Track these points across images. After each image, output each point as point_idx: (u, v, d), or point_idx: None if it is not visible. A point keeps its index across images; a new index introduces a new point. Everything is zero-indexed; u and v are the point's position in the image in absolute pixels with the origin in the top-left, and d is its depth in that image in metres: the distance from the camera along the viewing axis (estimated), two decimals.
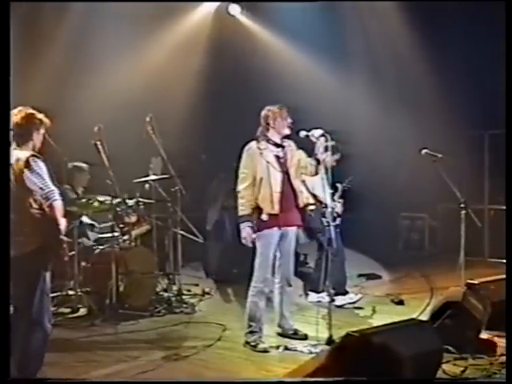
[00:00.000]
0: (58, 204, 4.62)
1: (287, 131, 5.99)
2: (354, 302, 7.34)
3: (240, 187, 5.92)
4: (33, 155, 4.70)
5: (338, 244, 6.88)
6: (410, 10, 10.10)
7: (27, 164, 4.62)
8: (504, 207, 9.99)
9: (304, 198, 6.19)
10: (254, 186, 5.86)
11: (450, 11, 9.92)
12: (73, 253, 6.85)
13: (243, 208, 5.87)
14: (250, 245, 5.87)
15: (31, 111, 4.86)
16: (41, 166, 4.66)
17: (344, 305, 7.21)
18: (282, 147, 6.02)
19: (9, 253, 4.31)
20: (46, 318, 4.78)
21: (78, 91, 8.98)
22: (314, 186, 7.11)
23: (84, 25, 9.12)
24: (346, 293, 7.37)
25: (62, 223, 4.71)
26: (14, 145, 4.71)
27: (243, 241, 5.85)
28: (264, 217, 5.83)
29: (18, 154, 4.68)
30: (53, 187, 4.64)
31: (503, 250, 9.20)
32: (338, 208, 7.35)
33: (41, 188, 4.58)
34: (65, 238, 4.75)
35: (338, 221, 7.29)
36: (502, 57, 9.15)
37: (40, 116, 4.92)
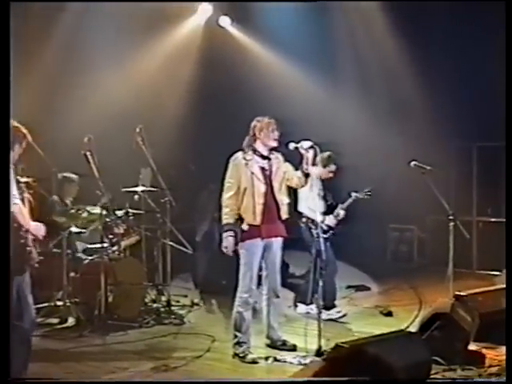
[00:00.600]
0: (16, 208, 4.61)
1: (274, 143, 6.01)
2: (340, 317, 7.32)
3: (224, 196, 5.95)
4: None
5: (328, 256, 6.84)
6: (399, 20, 10.19)
7: None
8: (492, 219, 10.11)
9: (286, 210, 6.16)
10: (237, 196, 5.89)
11: (441, 22, 10.01)
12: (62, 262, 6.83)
13: (226, 217, 5.89)
14: (231, 254, 5.89)
15: (16, 124, 4.85)
16: None
17: (329, 319, 7.16)
18: (269, 159, 6.04)
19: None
20: (27, 320, 4.81)
21: (68, 101, 8.98)
22: (304, 198, 7.12)
23: (75, 35, 9.13)
24: (332, 306, 7.33)
25: (31, 227, 4.79)
26: None
27: (224, 249, 5.88)
28: (244, 227, 5.85)
29: None
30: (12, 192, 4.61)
31: (491, 262, 9.35)
32: (333, 222, 7.39)
33: None
34: (31, 243, 4.79)
35: (330, 233, 7.32)
36: (492, 68, 9.30)
37: (24, 130, 4.91)
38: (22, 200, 4.82)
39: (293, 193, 6.60)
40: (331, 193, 7.57)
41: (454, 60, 10.05)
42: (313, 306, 7.15)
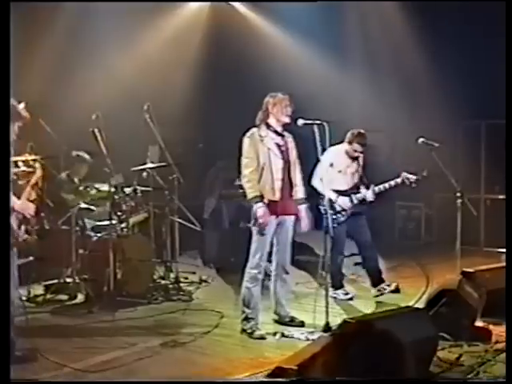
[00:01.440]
0: None
1: (287, 119, 5.99)
2: (347, 299, 7.25)
3: (246, 172, 5.93)
4: None
5: (337, 241, 6.90)
6: (409, 3, 10.12)
7: None
8: (500, 196, 10.09)
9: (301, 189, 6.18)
10: (257, 172, 5.89)
11: (448, 2, 9.92)
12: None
13: (252, 190, 5.87)
14: (267, 225, 5.84)
15: (12, 103, 4.79)
16: None
17: (337, 298, 7.14)
18: (282, 136, 6.05)
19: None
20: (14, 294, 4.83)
21: (76, 80, 8.97)
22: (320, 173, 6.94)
23: (81, 15, 9.10)
24: (341, 286, 7.30)
25: (16, 205, 4.77)
26: None
27: (260, 220, 5.81)
28: (264, 202, 5.85)
29: None
30: None
31: (499, 240, 9.31)
32: (347, 205, 7.14)
33: None
34: (15, 221, 4.77)
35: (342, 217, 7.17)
36: (499, 46, 9.23)
37: (19, 109, 4.86)
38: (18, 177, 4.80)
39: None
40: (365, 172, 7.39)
41: (463, 37, 9.96)
42: (339, 292, 7.22)
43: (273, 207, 5.89)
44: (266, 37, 11.18)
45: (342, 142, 7.26)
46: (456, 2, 9.76)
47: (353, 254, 8.07)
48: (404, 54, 10.39)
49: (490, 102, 9.62)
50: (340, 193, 7.12)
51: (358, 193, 7.20)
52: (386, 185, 7.18)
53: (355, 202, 7.16)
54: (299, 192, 6.13)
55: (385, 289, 7.37)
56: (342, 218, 7.14)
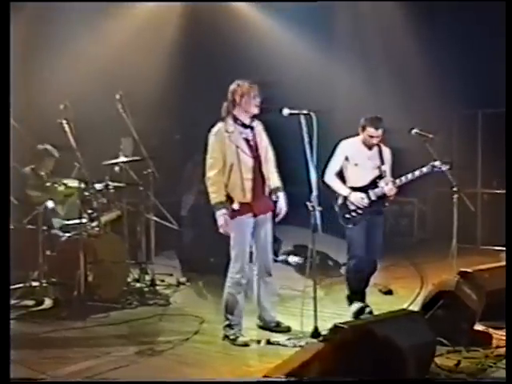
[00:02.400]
0: None
1: (255, 110, 5.93)
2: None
3: (210, 173, 5.86)
4: None
5: (352, 245, 6.64)
6: None
7: None
8: (498, 191, 10.13)
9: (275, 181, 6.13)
10: (223, 173, 5.82)
11: None
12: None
13: (216, 195, 5.81)
14: (229, 233, 5.84)
15: None
16: None
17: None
18: (251, 128, 5.97)
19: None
20: None
21: (43, 68, 8.87)
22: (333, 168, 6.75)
23: (50, 3, 9.00)
24: (360, 299, 6.78)
25: None
26: None
27: (220, 230, 5.82)
28: (235, 206, 5.81)
29: None
30: None
31: (497, 237, 9.38)
32: (362, 202, 6.62)
33: None
34: None
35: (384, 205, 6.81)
36: (494, 35, 9.27)
37: None
38: None
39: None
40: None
41: (458, 27, 10.00)
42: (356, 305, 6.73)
43: (246, 208, 5.84)
44: (247, 23, 11.10)
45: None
46: None
47: None
48: (397, 42, 10.39)
49: (487, 90, 9.68)
50: (357, 189, 6.65)
51: (376, 188, 6.66)
52: (409, 175, 6.63)
53: (373, 198, 6.64)
54: (274, 181, 6.09)
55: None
56: (358, 217, 6.64)
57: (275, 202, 6.11)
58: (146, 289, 7.52)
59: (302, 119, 5.82)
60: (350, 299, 6.77)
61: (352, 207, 6.62)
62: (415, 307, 6.32)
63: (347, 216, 6.62)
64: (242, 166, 5.82)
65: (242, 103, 5.87)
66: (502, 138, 10.08)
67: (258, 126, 6.04)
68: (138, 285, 7.61)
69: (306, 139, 5.81)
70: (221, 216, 5.78)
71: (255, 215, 5.93)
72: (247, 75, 6.26)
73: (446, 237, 7.03)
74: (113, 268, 7.10)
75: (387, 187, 6.62)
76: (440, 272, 7.56)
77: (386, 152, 6.85)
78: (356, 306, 6.67)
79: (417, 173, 6.62)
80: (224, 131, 5.85)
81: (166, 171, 8.33)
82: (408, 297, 7.25)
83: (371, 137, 6.63)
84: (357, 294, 6.75)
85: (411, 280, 8.17)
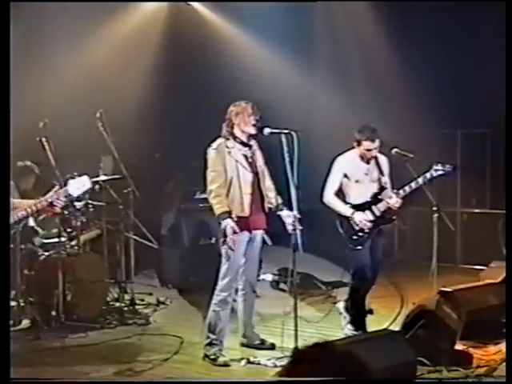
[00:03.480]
0: None
1: (252, 130, 5.97)
2: None
3: (212, 186, 5.88)
4: None
5: (356, 267, 6.53)
6: (380, 4, 10.20)
7: None
8: (477, 210, 10.21)
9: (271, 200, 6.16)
10: (224, 186, 5.86)
11: (424, 7, 10.03)
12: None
13: (220, 205, 5.82)
14: (238, 243, 5.78)
15: None
16: None
17: None
18: (250, 146, 6.04)
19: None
20: None
21: (23, 86, 8.81)
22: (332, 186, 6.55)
23: (29, 18, 8.96)
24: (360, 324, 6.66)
25: None
26: None
27: (228, 239, 5.77)
28: (234, 219, 5.81)
29: None
30: None
31: (476, 256, 9.43)
32: (366, 224, 6.40)
33: None
34: None
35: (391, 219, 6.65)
36: (474, 53, 9.38)
37: None
38: None
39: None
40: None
41: (438, 46, 10.09)
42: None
43: (243, 223, 5.86)
44: (228, 39, 11.13)
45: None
46: (431, 3, 9.88)
47: None
48: (376, 61, 10.47)
49: (466, 110, 9.76)
50: (358, 206, 6.47)
51: (379, 202, 6.47)
52: (413, 184, 6.44)
53: (377, 214, 6.44)
54: (274, 199, 6.14)
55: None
56: (365, 237, 6.43)
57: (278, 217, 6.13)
58: (126, 308, 7.46)
59: (283, 138, 5.82)
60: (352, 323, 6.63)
61: (357, 227, 6.43)
62: (396, 326, 6.31)
63: (354, 238, 6.42)
64: (242, 181, 5.88)
65: (238, 122, 5.94)
66: (481, 157, 10.26)
67: (255, 145, 6.10)
68: (117, 304, 7.55)
69: (287, 158, 5.82)
70: (227, 225, 5.77)
71: (250, 231, 5.96)
72: (230, 93, 6.28)
73: (426, 256, 7.08)
74: (92, 287, 7.05)
75: (392, 200, 6.40)
76: (420, 291, 7.58)
77: (384, 162, 6.68)
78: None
79: (420, 180, 6.46)
80: (224, 146, 5.91)
81: (146, 190, 8.31)
82: (388, 316, 7.25)
83: (369, 150, 6.44)
84: (356, 319, 6.59)
85: (392, 299, 8.16)
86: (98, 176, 7.53)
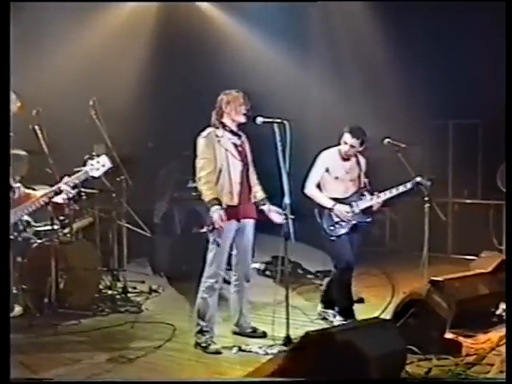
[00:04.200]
0: None
1: (242, 119, 5.97)
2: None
3: (202, 173, 5.86)
4: None
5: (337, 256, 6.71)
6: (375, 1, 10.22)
7: None
8: (469, 201, 10.26)
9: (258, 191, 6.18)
10: (214, 174, 5.85)
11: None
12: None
13: (210, 192, 5.80)
14: (222, 226, 5.75)
15: None
16: None
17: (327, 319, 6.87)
18: (239, 136, 6.04)
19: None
20: None
21: (16, 73, 8.78)
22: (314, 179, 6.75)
23: (23, 9, 8.92)
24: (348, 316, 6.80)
25: None
26: None
27: (216, 225, 5.75)
28: (222, 206, 5.80)
29: None
30: None
31: (467, 246, 9.48)
32: (347, 215, 6.62)
33: None
34: None
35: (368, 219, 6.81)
36: (467, 44, 9.40)
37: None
38: None
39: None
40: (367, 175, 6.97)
41: (430, 37, 10.10)
42: (330, 312, 6.89)
43: (232, 212, 5.86)
44: (223, 30, 11.12)
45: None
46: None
47: None
48: (369, 52, 10.47)
49: (458, 100, 9.78)
50: (339, 201, 6.65)
51: (360, 200, 6.72)
52: (394, 191, 6.78)
53: (356, 210, 6.66)
54: (259, 193, 6.15)
55: (328, 316, 6.90)
56: (342, 230, 6.63)
57: (261, 211, 6.15)
58: (118, 296, 7.48)
59: (276, 128, 5.84)
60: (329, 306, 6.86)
61: (336, 219, 6.61)
62: (386, 315, 6.36)
63: (331, 228, 6.60)
64: (231, 169, 5.88)
65: (228, 111, 5.94)
66: (473, 148, 10.30)
67: (243, 136, 6.10)
68: (109, 292, 7.56)
69: (280, 148, 5.84)
70: (215, 212, 5.75)
71: (239, 220, 5.96)
72: (223, 83, 6.29)
73: (417, 246, 7.12)
74: (84, 275, 7.06)
75: (373, 201, 6.73)
76: (411, 281, 7.63)
77: (363, 162, 6.90)
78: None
79: (401, 188, 6.77)
80: (214, 135, 5.90)
81: (138, 178, 8.29)
82: (379, 305, 7.30)
83: (351, 146, 6.64)
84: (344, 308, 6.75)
85: (383, 288, 8.22)
86: None
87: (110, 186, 7.71)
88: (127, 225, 7.89)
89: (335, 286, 6.77)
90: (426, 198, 6.85)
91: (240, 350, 5.85)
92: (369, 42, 10.43)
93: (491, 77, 8.33)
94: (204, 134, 5.96)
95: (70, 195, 5.00)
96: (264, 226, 6.28)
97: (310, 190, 6.69)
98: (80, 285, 7.00)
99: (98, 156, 5.28)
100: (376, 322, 5.46)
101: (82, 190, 7.43)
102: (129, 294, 7.57)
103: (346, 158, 6.73)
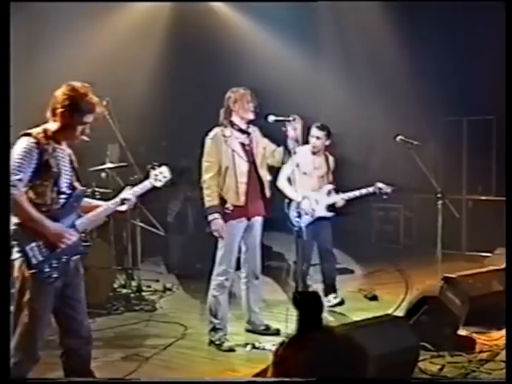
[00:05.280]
0: (12, 200, 4.00)
1: (251, 116, 5.97)
2: (337, 304, 7.29)
3: (205, 177, 5.90)
4: (26, 134, 4.22)
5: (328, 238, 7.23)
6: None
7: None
8: (483, 197, 10.22)
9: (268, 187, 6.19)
10: (219, 176, 5.86)
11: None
12: None
13: (210, 198, 5.85)
14: (223, 236, 5.85)
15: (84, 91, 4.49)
16: (24, 149, 4.13)
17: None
18: (248, 134, 6.02)
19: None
20: None
21: (32, 75, 8.86)
22: (287, 173, 7.04)
23: (39, 11, 8.99)
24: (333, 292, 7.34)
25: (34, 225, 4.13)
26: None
27: (215, 234, 5.85)
28: (228, 208, 5.85)
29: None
30: (13, 178, 4.03)
31: (481, 243, 9.45)
32: (310, 209, 7.08)
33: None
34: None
35: (331, 214, 7.26)
36: (479, 42, 9.36)
37: (94, 101, 4.56)
38: None
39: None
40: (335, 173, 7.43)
41: (443, 34, 10.08)
42: (330, 298, 7.25)
43: (239, 212, 5.89)
44: (234, 29, 11.15)
45: None
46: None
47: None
48: (382, 49, 10.45)
49: (472, 97, 9.75)
50: (305, 195, 6.96)
51: (326, 196, 7.20)
52: (357, 193, 7.21)
53: (322, 205, 7.15)
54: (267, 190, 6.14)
55: (329, 301, 7.23)
56: (305, 222, 6.74)
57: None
58: (132, 295, 7.52)
59: (287, 125, 5.84)
60: None
61: (302, 212, 6.65)
62: (400, 312, 6.36)
63: (297, 220, 6.56)
64: (237, 170, 5.87)
65: (236, 109, 5.93)
66: (487, 144, 10.27)
67: (254, 131, 6.08)
68: (124, 291, 7.61)
69: (291, 145, 5.85)
70: (214, 219, 5.80)
71: (248, 218, 5.98)
72: (235, 82, 6.30)
73: (431, 243, 7.10)
74: (99, 274, 7.08)
75: (339, 199, 7.22)
76: (425, 278, 7.62)
77: (331, 160, 7.30)
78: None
79: (363, 191, 7.22)
80: (221, 135, 5.90)
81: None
82: (393, 302, 7.30)
83: (318, 138, 7.12)
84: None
85: (396, 286, 8.21)
86: (104, 163, 7.60)
87: (123, 185, 7.74)
88: (141, 224, 7.92)
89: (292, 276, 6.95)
90: (439, 195, 6.84)
91: (254, 347, 5.89)
92: (381, 39, 10.41)
93: (505, 73, 8.30)
94: (211, 135, 5.95)
95: (132, 205, 5.03)
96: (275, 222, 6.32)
97: (281, 183, 7.02)
98: (95, 284, 7.01)
99: (160, 166, 5.30)
100: (389, 319, 5.46)
101: (96, 189, 7.50)
102: (143, 293, 7.60)
103: (314, 152, 7.16)
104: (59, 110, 4.34)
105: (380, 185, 7.21)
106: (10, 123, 4.23)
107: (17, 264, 4.18)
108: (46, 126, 4.35)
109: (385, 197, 7.27)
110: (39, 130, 4.29)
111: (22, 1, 7.51)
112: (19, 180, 4.05)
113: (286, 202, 6.90)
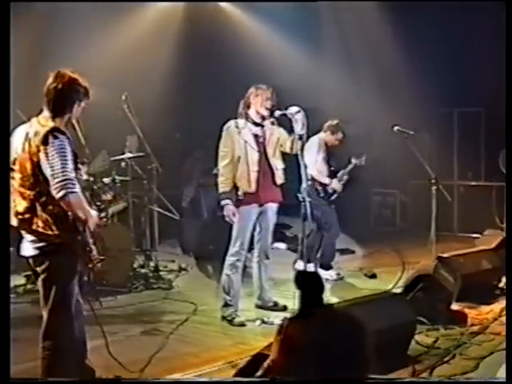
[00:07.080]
0: (74, 197, 3.74)
1: (265, 112, 5.92)
2: (337, 279, 7.47)
3: (220, 165, 5.93)
4: (54, 129, 3.78)
5: (333, 219, 7.48)
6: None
7: (45, 141, 3.73)
8: (473, 183, 10.19)
9: (281, 175, 6.15)
10: (232, 164, 5.87)
11: None
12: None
13: (223, 185, 5.88)
14: (234, 221, 5.85)
15: (74, 76, 4.10)
16: (62, 146, 3.75)
17: (329, 280, 7.33)
18: (262, 126, 6.01)
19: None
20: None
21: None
22: (313, 162, 7.28)
23: (58, 10, 8.94)
24: (328, 268, 7.49)
25: (88, 219, 3.98)
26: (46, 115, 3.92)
27: (226, 218, 5.87)
28: (240, 195, 5.83)
29: (37, 128, 3.83)
30: (70, 175, 3.72)
31: (472, 225, 9.41)
32: (338, 186, 7.55)
33: (53, 175, 3.68)
34: (88, 238, 4.10)
35: (335, 196, 7.57)
36: (471, 35, 9.27)
37: (85, 84, 4.20)
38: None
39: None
40: (334, 159, 7.72)
41: (436, 27, 9.99)
42: (332, 273, 7.42)
43: (252, 198, 5.89)
44: (243, 27, 11.10)
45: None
46: None
47: None
48: (379, 44, 10.36)
49: (462, 91, 9.71)
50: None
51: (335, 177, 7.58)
52: (348, 169, 7.63)
53: (343, 182, 7.61)
54: (279, 178, 6.10)
55: (331, 276, 7.45)
56: (332, 199, 7.52)
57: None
58: (151, 274, 7.50)
59: (293, 118, 5.78)
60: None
61: (330, 191, 7.54)
62: (397, 289, 6.33)
63: (332, 198, 7.47)
64: (249, 159, 5.87)
65: (255, 103, 5.92)
66: (476, 134, 10.23)
67: (269, 124, 6.03)
68: (142, 270, 7.59)
69: (297, 137, 5.80)
70: (226, 205, 5.83)
71: (261, 204, 5.98)
72: (243, 79, 6.27)
73: (426, 225, 7.05)
74: (119, 255, 7.07)
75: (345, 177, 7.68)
76: (420, 258, 7.57)
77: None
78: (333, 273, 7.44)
79: (350, 166, 7.63)
80: (234, 127, 5.91)
81: (168, 166, 8.31)
82: (391, 280, 7.25)
83: (337, 140, 7.58)
84: (328, 265, 7.50)
85: (393, 265, 8.17)
86: (124, 154, 7.58)
87: (141, 173, 7.74)
88: (158, 209, 7.91)
89: (328, 247, 7.53)
90: (433, 181, 6.80)
91: (263, 322, 5.87)
92: (377, 35, 10.33)
93: (492, 68, 8.24)
94: (226, 126, 5.97)
95: None
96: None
97: (314, 170, 7.32)
98: (116, 264, 7.00)
99: None
100: (388, 296, 5.45)
101: (117, 177, 7.48)
102: (160, 273, 7.58)
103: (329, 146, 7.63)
104: (53, 98, 3.96)
105: (354, 160, 7.62)
106: (10, 124, 3.98)
107: None
108: (45, 114, 3.95)
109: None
110: (58, 121, 3.92)
111: (23, 0, 7.44)
112: (75, 177, 3.77)
113: (316, 188, 7.37)
